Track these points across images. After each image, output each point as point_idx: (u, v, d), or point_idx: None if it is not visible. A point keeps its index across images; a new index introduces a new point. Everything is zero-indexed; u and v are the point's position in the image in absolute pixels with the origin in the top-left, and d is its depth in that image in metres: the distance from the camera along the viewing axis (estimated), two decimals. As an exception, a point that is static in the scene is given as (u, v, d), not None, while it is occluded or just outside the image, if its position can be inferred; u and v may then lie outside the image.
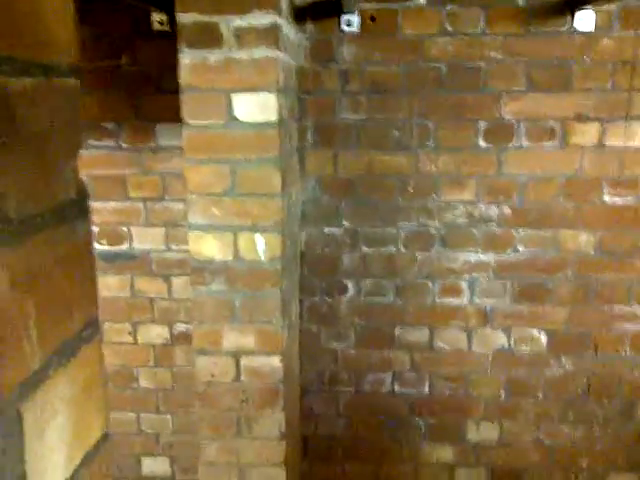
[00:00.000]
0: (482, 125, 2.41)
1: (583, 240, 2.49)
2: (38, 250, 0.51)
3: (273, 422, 2.12)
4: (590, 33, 2.31)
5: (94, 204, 2.57)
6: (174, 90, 1.89)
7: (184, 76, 1.83)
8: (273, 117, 1.84)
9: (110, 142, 2.53)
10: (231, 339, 2.04)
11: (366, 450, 2.73)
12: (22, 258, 0.49)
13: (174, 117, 2.02)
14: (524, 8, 2.30)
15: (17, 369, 0.48)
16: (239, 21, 1.77)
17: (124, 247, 2.63)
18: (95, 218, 2.58)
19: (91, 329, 0.62)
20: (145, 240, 2.62)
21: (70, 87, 0.57)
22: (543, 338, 2.58)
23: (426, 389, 2.67)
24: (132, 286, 2.66)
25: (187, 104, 1.85)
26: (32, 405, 0.50)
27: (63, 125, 0.56)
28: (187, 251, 2.02)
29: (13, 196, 0.47)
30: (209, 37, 1.79)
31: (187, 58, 1.81)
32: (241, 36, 1.78)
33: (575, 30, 2.31)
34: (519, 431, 2.68)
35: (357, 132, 2.43)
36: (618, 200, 2.45)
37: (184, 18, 1.77)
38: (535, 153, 2.42)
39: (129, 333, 2.70)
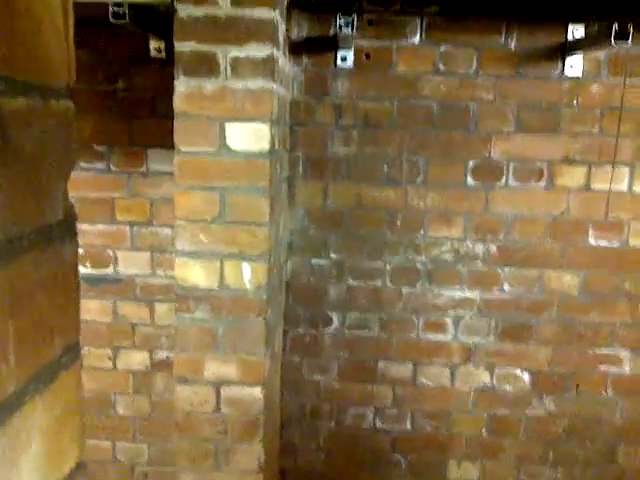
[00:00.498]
0: (471, 164, 2.44)
1: (567, 281, 2.51)
2: (22, 271, 0.50)
3: (252, 454, 2.08)
4: (579, 78, 2.36)
5: (80, 226, 2.54)
6: (168, 116, 1.90)
7: (179, 103, 1.84)
8: (265, 147, 1.85)
9: (100, 165, 2.53)
10: (212, 368, 2.01)
11: (345, 486, 2.69)
12: (5, 279, 0.48)
13: (167, 142, 2.03)
14: (516, 52, 2.36)
15: (-8, 392, 0.47)
16: (236, 52, 1.79)
17: (109, 271, 2.60)
18: (80, 240, 2.53)
19: (71, 354, 0.61)
20: (130, 264, 2.59)
21: (65, 109, 0.57)
22: (526, 377, 2.58)
23: (408, 425, 2.65)
24: (114, 311, 2.63)
25: (180, 131, 1.85)
26: (6, 431, 0.49)
27: (56, 146, 0.56)
28: (172, 277, 2.00)
29: (1, 216, 0.46)
30: (205, 66, 1.80)
31: (183, 86, 1.82)
32: (237, 66, 1.80)
33: (565, 75, 2.36)
34: (500, 472, 2.66)
35: (347, 165, 2.45)
36: (603, 242, 2.47)
37: (182, 47, 1.79)
38: (522, 193, 2.45)
39: (109, 358, 2.65)
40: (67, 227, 0.58)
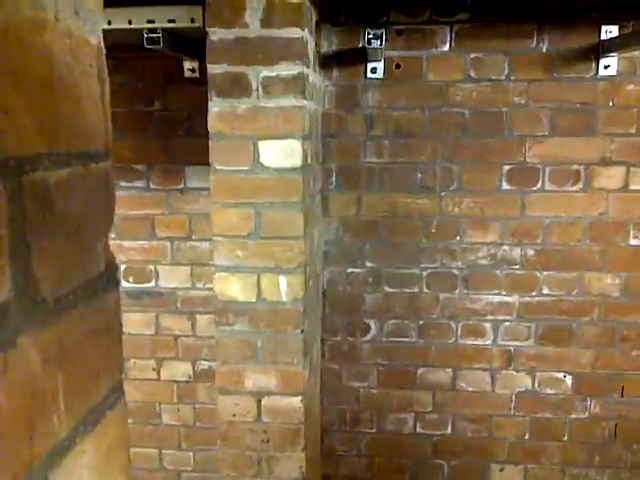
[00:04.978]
0: (506, 168, 2.42)
1: (608, 283, 2.47)
2: (70, 326, 0.54)
3: (294, 462, 2.12)
4: (614, 78, 2.33)
5: (123, 243, 2.63)
6: (203, 134, 1.95)
7: (213, 124, 1.89)
8: (298, 163, 1.89)
9: (140, 183, 2.61)
10: (253, 379, 2.06)
11: (387, 491, 2.71)
12: (55, 336, 0.51)
13: (203, 159, 2.08)
14: (548, 55, 2.33)
15: (46, 440, 0.51)
16: (267, 72, 1.83)
17: (150, 285, 2.69)
18: (123, 256, 2.64)
19: (116, 394, 0.65)
20: (171, 278, 2.67)
21: (104, 170, 0.60)
22: (568, 380, 2.56)
23: (449, 430, 2.65)
24: (157, 323, 2.71)
25: (215, 150, 1.90)
26: (59, 472, 0.52)
27: (96, 205, 0.60)
28: (212, 289, 2.05)
29: (49, 279, 0.50)
30: (238, 87, 1.85)
31: (216, 107, 1.87)
32: (268, 86, 1.84)
33: (599, 75, 2.33)
34: (544, 475, 2.64)
35: (381, 175, 2.47)
36: (644, 243, 2.43)
37: (214, 69, 1.84)
38: (559, 196, 2.43)
39: (153, 369, 2.74)
40: (109, 277, 0.62)
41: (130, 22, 1.91)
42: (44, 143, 0.49)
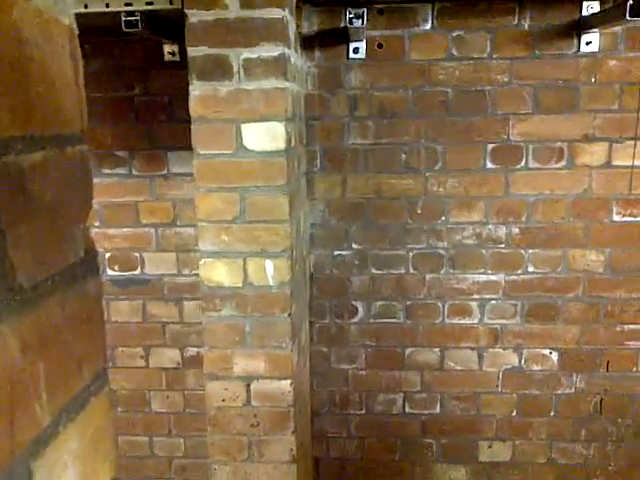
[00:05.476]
0: (490, 147, 2.43)
1: (592, 259, 2.49)
2: (49, 313, 0.53)
3: (284, 445, 2.13)
4: (596, 55, 2.33)
5: (107, 230, 2.61)
6: (185, 118, 1.93)
7: (194, 107, 1.86)
8: (281, 145, 1.87)
9: (123, 170, 2.58)
10: (242, 364, 2.05)
11: (378, 471, 2.73)
12: (34, 323, 0.50)
13: (185, 144, 2.06)
14: (530, 32, 2.33)
15: (28, 429, 0.50)
16: (248, 53, 1.81)
17: (136, 272, 2.66)
18: (108, 244, 2.62)
19: (100, 381, 0.64)
20: (157, 265, 2.65)
21: (80, 153, 0.59)
22: (554, 357, 2.58)
23: (437, 409, 2.67)
24: (144, 311, 2.69)
25: (197, 134, 1.88)
26: (43, 462, 0.52)
27: (73, 189, 0.58)
28: (198, 275, 2.04)
29: (26, 265, 0.49)
30: (219, 69, 1.82)
31: (197, 90, 1.85)
32: (250, 68, 1.82)
33: (581, 52, 2.33)
34: (532, 450, 2.68)
35: (365, 156, 2.46)
36: (627, 219, 2.45)
37: (194, 52, 1.81)
38: (543, 174, 2.43)
39: (141, 357, 2.73)
40: (89, 264, 0.61)
41: (107, 5, 1.87)
42: (17, 126, 0.48)
